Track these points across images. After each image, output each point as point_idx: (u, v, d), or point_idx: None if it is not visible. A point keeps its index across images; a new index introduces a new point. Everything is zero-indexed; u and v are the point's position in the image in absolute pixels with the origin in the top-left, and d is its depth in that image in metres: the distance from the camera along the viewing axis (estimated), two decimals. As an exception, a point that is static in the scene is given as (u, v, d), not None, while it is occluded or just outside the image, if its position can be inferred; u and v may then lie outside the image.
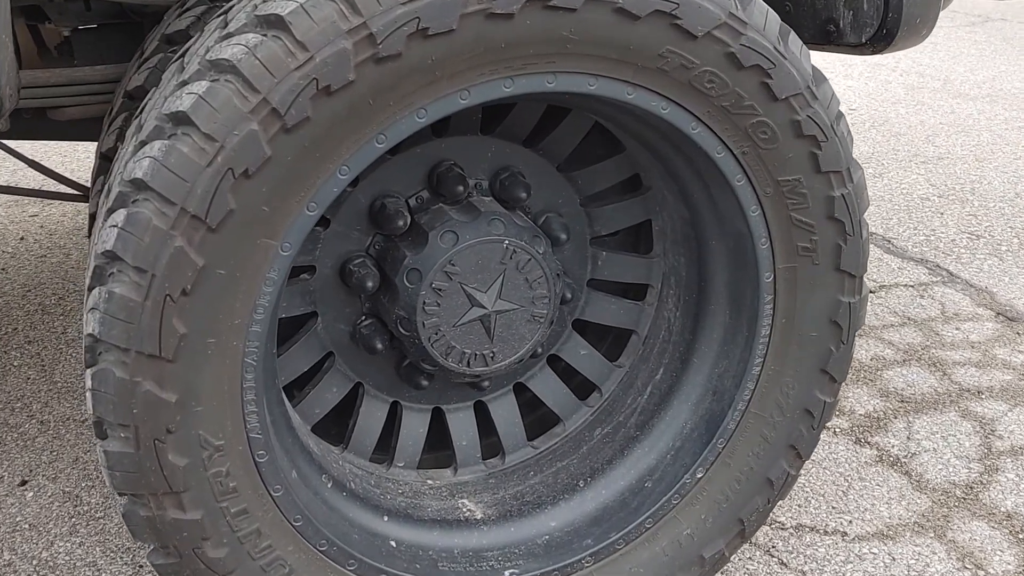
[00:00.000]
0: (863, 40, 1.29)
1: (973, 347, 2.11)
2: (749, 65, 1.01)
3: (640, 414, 1.33)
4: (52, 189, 2.29)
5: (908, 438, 1.78)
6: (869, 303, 2.30)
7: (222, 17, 0.98)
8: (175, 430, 0.92)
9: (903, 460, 1.71)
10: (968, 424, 1.82)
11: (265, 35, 0.86)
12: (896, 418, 1.84)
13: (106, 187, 1.01)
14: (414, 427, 1.33)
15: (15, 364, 2.07)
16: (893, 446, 1.75)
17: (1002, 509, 1.58)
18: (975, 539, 1.51)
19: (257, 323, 0.93)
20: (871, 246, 2.67)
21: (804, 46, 1.08)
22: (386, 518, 1.19)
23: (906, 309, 2.29)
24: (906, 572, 1.44)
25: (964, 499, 1.61)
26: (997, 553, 1.48)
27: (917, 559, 1.46)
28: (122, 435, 0.91)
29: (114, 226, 0.87)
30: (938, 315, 2.26)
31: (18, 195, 1.79)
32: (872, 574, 1.43)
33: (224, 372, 0.93)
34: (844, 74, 4.86)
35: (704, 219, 1.21)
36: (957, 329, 2.19)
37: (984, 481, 1.65)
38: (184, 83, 0.89)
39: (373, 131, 0.91)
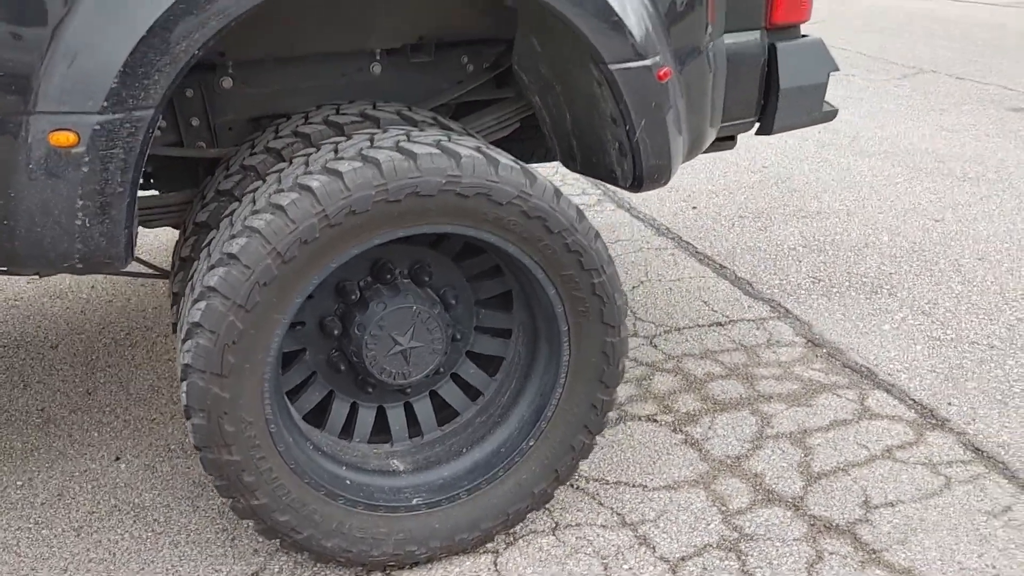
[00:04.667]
0: (629, 184, 2.14)
1: (779, 366, 2.95)
2: (534, 216, 1.87)
3: (502, 408, 2.18)
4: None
5: (709, 428, 2.62)
6: (716, 333, 3.15)
7: (251, 195, 1.85)
8: (228, 412, 1.77)
9: (700, 442, 2.55)
10: (753, 418, 2.66)
11: (274, 214, 1.73)
12: (706, 415, 2.68)
13: (189, 284, 1.87)
14: (365, 418, 2.18)
15: (101, 382, 2.94)
16: (697, 433, 2.59)
17: (754, 472, 2.42)
18: (727, 488, 2.35)
19: (270, 357, 1.79)
20: (735, 287, 3.51)
21: (571, 201, 1.93)
22: (344, 468, 2.04)
23: (742, 338, 3.13)
24: (676, 507, 2.27)
25: (731, 465, 2.45)
26: (738, 495, 2.32)
27: (686, 499, 2.30)
28: (201, 415, 1.77)
29: (199, 310, 1.73)
30: (764, 343, 3.10)
31: (116, 275, 2.65)
32: (655, 508, 2.27)
33: (253, 382, 1.78)
34: (770, 132, 5.71)
35: (530, 293, 2.06)
36: (774, 353, 3.03)
37: (748, 454, 2.49)
38: (234, 236, 1.75)
39: (328, 260, 1.77)
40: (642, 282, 3.58)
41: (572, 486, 2.36)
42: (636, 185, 2.12)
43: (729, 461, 2.46)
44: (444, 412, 2.25)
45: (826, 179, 4.80)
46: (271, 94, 2.28)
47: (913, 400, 2.72)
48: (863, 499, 2.29)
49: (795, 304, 3.36)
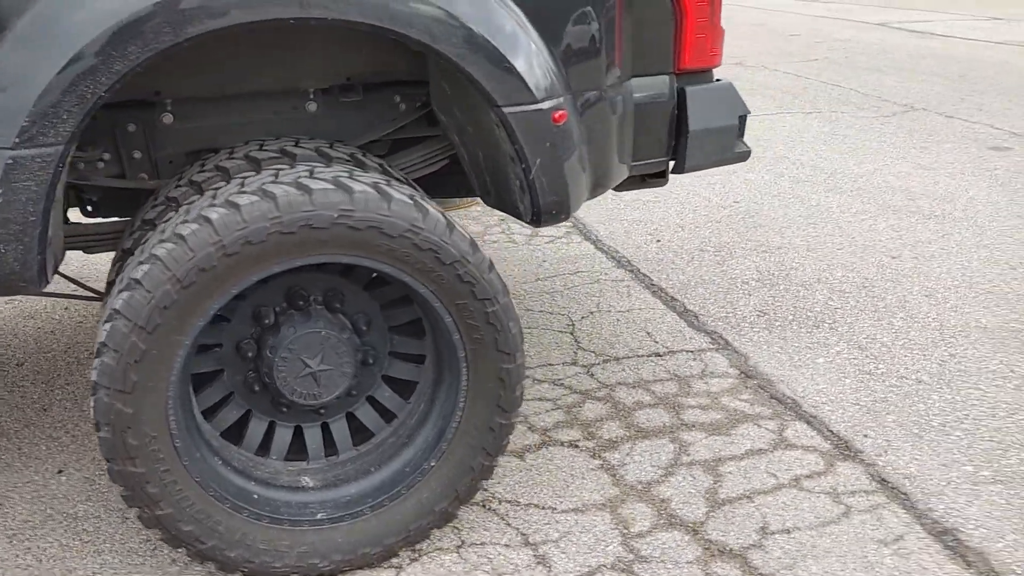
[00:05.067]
0: (530, 218, 2.26)
1: (709, 396, 3.04)
2: (426, 248, 1.99)
3: (411, 429, 2.29)
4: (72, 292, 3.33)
5: (627, 454, 2.71)
6: (653, 363, 3.25)
7: (163, 226, 1.99)
8: (132, 427, 1.90)
9: (616, 467, 2.64)
10: (672, 446, 2.75)
11: (175, 243, 1.86)
12: (627, 442, 2.77)
13: (106, 307, 2.01)
14: (282, 437, 2.30)
15: (58, 399, 3.08)
16: (615, 459, 2.69)
17: (661, 497, 2.51)
18: (632, 512, 2.44)
19: (173, 376, 1.92)
20: (681, 319, 3.59)
21: (465, 233, 2.05)
22: (253, 483, 2.16)
23: (677, 369, 3.22)
24: (581, 528, 2.36)
25: (641, 490, 2.54)
26: (641, 519, 2.40)
27: (590, 522, 2.39)
28: (106, 428, 1.90)
29: (105, 330, 1.87)
30: (698, 373, 3.19)
31: (56, 298, 2.81)
32: (559, 530, 2.36)
33: (157, 399, 1.91)
34: (748, 168, 5.82)
35: (431, 321, 2.18)
36: (705, 384, 3.12)
37: (659, 480, 2.58)
38: (140, 262, 1.89)
39: (228, 287, 1.90)
40: (592, 313, 3.68)
41: (484, 507, 2.46)
42: (536, 220, 2.24)
43: (640, 486, 2.55)
44: (362, 432, 2.36)
45: (793, 215, 4.89)
46: (210, 130, 2.43)
47: (831, 432, 2.80)
48: (761, 525, 2.37)
49: (736, 336, 3.45)
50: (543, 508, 2.46)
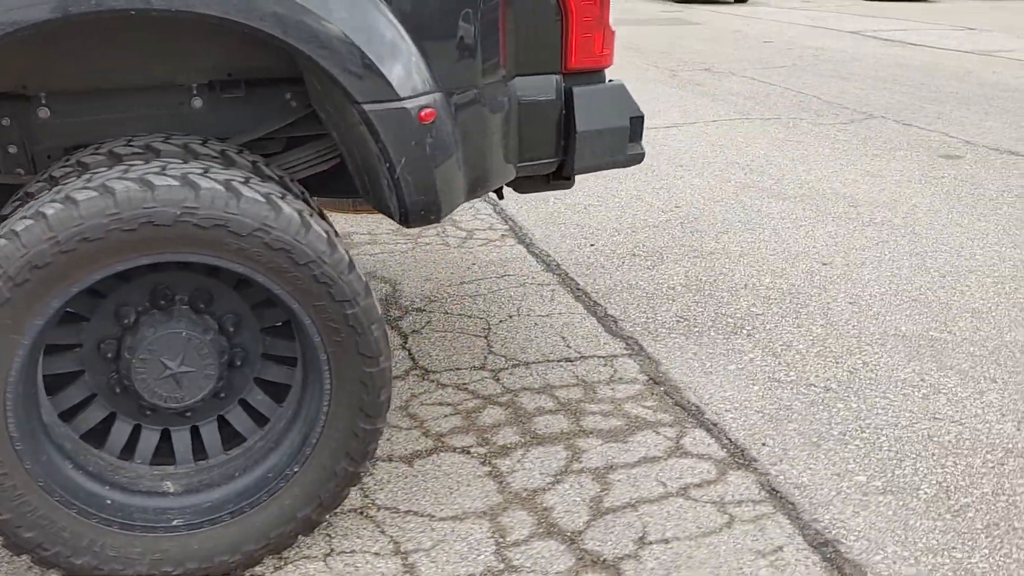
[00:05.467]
0: (400, 218, 2.21)
1: (612, 402, 2.99)
2: (278, 248, 1.94)
3: (279, 434, 2.23)
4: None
5: (518, 461, 2.65)
6: (562, 368, 3.19)
7: (6, 222, 1.93)
8: (-36, 430, 1.85)
9: (504, 475, 2.59)
10: (566, 452, 2.69)
11: (8, 240, 1.80)
12: (520, 448, 2.72)
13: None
14: (149, 440, 2.24)
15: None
16: (505, 466, 2.63)
17: (544, 505, 2.45)
18: (512, 521, 2.38)
19: (11, 377, 1.86)
20: (599, 324, 3.54)
21: (322, 233, 2.00)
22: (108, 488, 2.10)
23: (586, 374, 3.17)
24: (456, 537, 2.31)
25: (524, 498, 2.48)
26: (520, 528, 2.35)
27: (467, 530, 2.33)
28: (-61, 431, 1.84)
29: (-63, 327, 1.82)
30: (607, 379, 3.14)
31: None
32: (433, 538, 2.31)
33: (-8, 401, 1.86)
34: (696, 173, 5.78)
35: (296, 323, 2.12)
36: (612, 390, 3.07)
37: (546, 488, 2.53)
38: (-22, 258, 1.83)
39: (67, 284, 1.84)
40: (511, 316, 3.63)
41: (361, 513, 2.40)
42: (404, 220, 2.19)
43: (525, 494, 2.50)
44: (237, 438, 2.30)
45: (732, 220, 4.85)
46: (90, 125, 2.37)
47: (729, 440, 2.75)
48: (640, 535, 2.32)
49: (651, 342, 3.40)
50: (422, 516, 2.40)
